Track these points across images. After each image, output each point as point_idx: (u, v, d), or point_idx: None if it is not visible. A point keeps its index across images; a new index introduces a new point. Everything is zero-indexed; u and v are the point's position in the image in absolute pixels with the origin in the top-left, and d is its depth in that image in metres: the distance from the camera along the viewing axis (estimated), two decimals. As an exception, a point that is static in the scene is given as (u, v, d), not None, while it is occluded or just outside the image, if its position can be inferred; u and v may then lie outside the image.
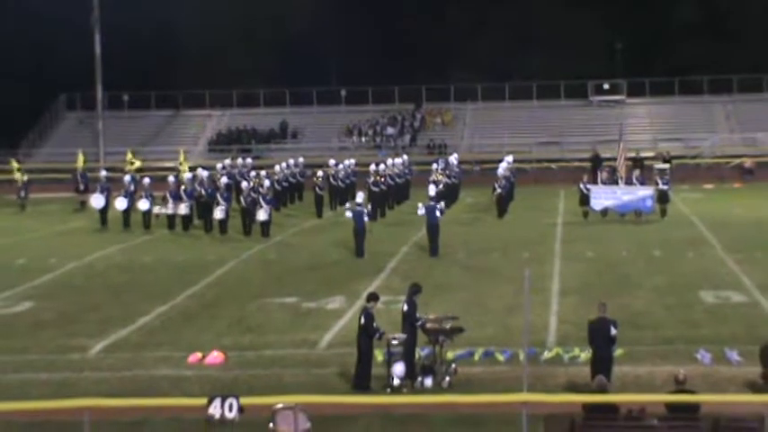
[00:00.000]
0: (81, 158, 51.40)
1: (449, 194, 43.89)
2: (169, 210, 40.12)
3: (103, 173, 45.36)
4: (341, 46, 77.45)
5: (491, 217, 41.90)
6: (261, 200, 37.94)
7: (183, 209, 39.97)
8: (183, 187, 40.38)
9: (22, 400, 17.89)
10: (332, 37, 76.66)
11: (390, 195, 44.49)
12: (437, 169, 43.95)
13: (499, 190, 41.97)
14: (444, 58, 77.20)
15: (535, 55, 76.30)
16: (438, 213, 33.40)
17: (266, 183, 39.87)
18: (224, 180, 41.10)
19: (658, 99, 72.68)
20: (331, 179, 45.26)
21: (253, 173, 44.13)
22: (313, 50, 76.80)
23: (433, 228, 33.15)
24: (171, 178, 41.26)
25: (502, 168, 43.80)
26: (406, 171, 47.92)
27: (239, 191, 40.61)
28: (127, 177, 42.97)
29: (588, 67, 74.21)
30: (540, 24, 76.37)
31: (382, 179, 43.19)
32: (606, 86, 73.54)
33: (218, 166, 46.33)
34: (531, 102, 73.62)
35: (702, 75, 71.71)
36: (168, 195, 40.26)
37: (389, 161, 47.03)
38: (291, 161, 48.66)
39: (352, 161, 48.91)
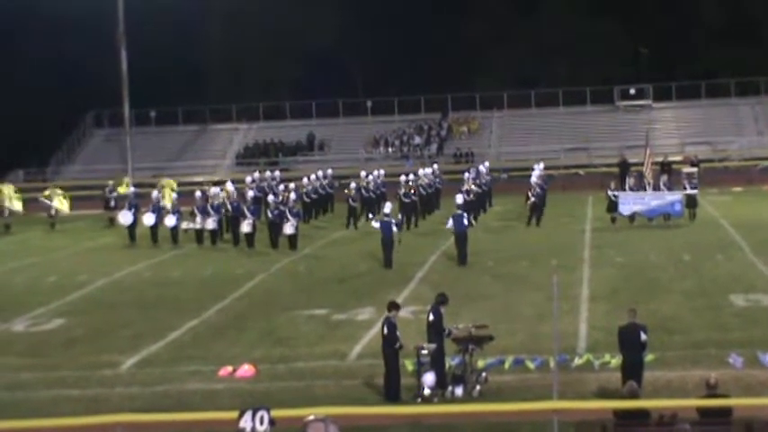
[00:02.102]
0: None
1: (479, 203, 43.84)
2: (197, 224, 40.24)
3: (131, 189, 45.43)
4: (366, 57, 77.63)
5: (520, 225, 41.79)
6: (287, 213, 38.00)
7: (210, 223, 40.04)
8: (210, 202, 40.46)
9: (54, 417, 17.97)
10: (357, 48, 76.85)
11: (421, 205, 44.35)
12: (468, 178, 43.68)
13: (533, 198, 41.75)
14: (469, 67, 77.26)
15: (560, 61, 76.27)
16: (466, 222, 33.38)
17: (292, 196, 39.90)
18: (250, 194, 41.09)
19: (685, 103, 72.35)
20: (363, 191, 45.12)
21: (281, 186, 44.23)
22: (338, 62, 77.03)
23: (461, 236, 33.13)
24: (198, 193, 41.40)
25: (534, 176, 43.56)
26: (437, 181, 47.84)
27: (267, 204, 40.62)
28: (155, 193, 43.11)
29: (614, 73, 74.08)
30: (565, 31, 76.20)
31: (413, 190, 43.09)
32: (632, 91, 73.22)
33: (248, 179, 46.39)
34: (558, 108, 73.43)
35: (729, 78, 71.32)
36: (196, 210, 40.41)
37: (420, 171, 46.93)
38: (321, 173, 48.63)
39: (382, 171, 48.79)
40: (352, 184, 44.32)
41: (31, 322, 27.73)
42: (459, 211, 33.66)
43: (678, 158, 58.41)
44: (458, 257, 32.98)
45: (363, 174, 47.25)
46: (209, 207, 40.20)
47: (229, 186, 42.91)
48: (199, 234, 40.23)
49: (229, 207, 40.18)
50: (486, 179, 46.71)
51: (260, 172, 50.69)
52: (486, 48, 76.74)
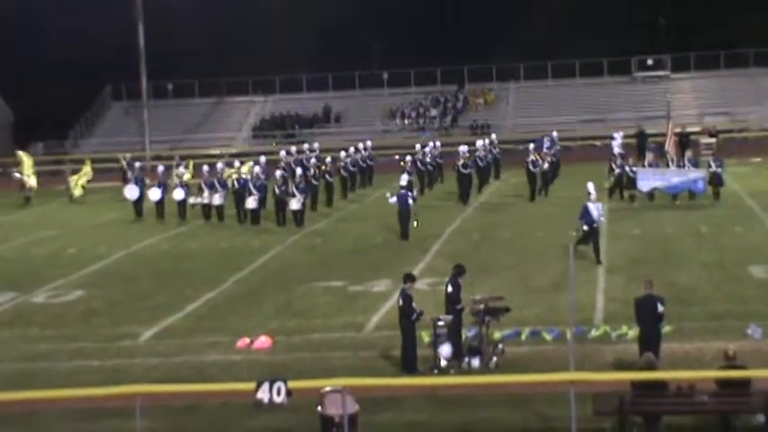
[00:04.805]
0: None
1: (554, 172, 43.84)
2: (204, 199, 39.83)
3: (138, 164, 45.28)
4: (382, 29, 77.39)
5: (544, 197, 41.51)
6: (293, 189, 37.39)
7: (217, 199, 39.38)
8: (217, 177, 39.96)
9: (74, 387, 18.10)
10: (373, 20, 76.60)
11: (477, 177, 44.05)
12: (533, 149, 42.96)
13: (618, 169, 40.30)
14: (486, 38, 76.87)
15: (577, 32, 75.83)
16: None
17: (298, 171, 39.27)
18: (257, 169, 40.26)
19: (703, 73, 72.02)
20: (419, 163, 44.79)
21: (312, 159, 44.10)
22: (354, 34, 76.83)
23: (404, 214, 33.12)
24: (205, 167, 41.00)
25: (616, 145, 42.76)
26: (496, 151, 47.67)
27: (275, 180, 40.12)
28: (160, 168, 42.82)
29: (632, 43, 73.62)
30: (583, 1, 75.73)
31: (470, 161, 42.64)
32: (650, 62, 72.88)
33: (282, 153, 45.93)
34: (575, 79, 73.19)
35: (748, 47, 70.81)
36: (203, 185, 39.94)
37: (478, 142, 46.15)
38: (361, 145, 48.19)
39: (438, 143, 48.48)
40: (408, 157, 43.97)
41: (51, 294, 27.90)
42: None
43: (697, 129, 58.10)
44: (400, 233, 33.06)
45: (418, 146, 46.88)
46: (216, 182, 39.72)
47: (249, 164, 42.53)
48: (206, 209, 39.78)
49: (236, 184, 39.59)
50: (556, 149, 46.41)
51: (297, 146, 49.84)
52: (503, 19, 76.32)
